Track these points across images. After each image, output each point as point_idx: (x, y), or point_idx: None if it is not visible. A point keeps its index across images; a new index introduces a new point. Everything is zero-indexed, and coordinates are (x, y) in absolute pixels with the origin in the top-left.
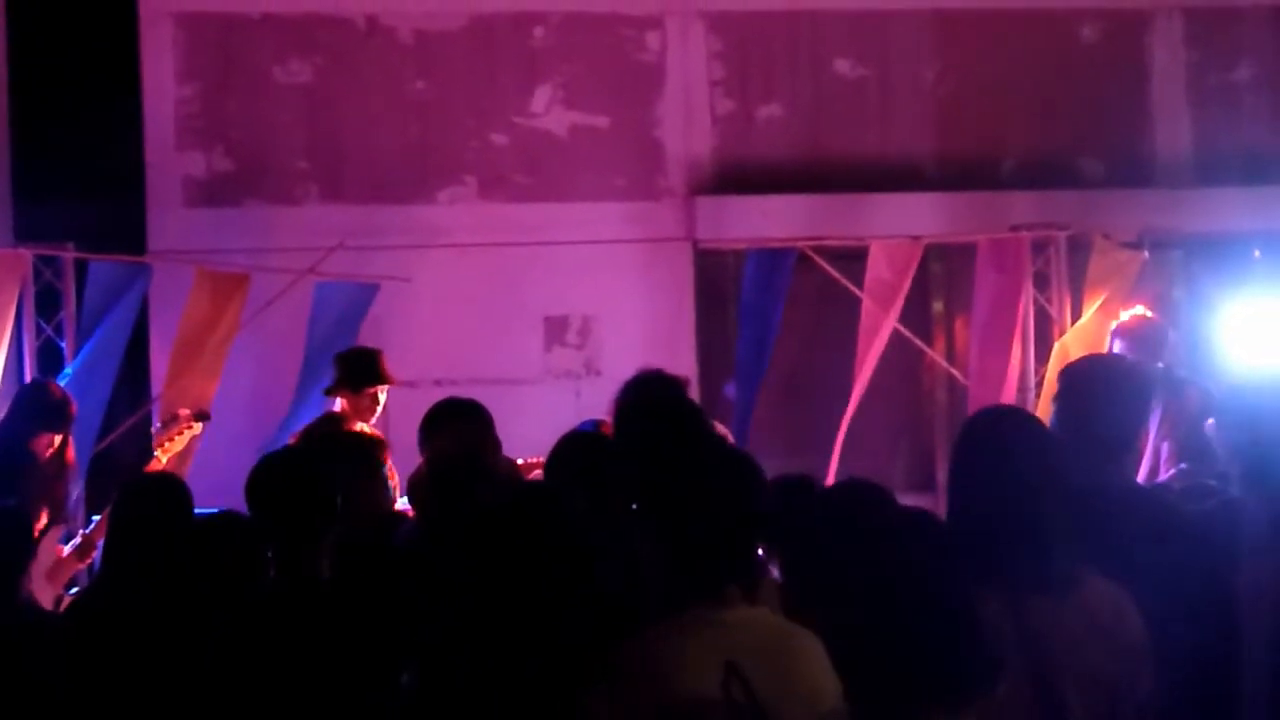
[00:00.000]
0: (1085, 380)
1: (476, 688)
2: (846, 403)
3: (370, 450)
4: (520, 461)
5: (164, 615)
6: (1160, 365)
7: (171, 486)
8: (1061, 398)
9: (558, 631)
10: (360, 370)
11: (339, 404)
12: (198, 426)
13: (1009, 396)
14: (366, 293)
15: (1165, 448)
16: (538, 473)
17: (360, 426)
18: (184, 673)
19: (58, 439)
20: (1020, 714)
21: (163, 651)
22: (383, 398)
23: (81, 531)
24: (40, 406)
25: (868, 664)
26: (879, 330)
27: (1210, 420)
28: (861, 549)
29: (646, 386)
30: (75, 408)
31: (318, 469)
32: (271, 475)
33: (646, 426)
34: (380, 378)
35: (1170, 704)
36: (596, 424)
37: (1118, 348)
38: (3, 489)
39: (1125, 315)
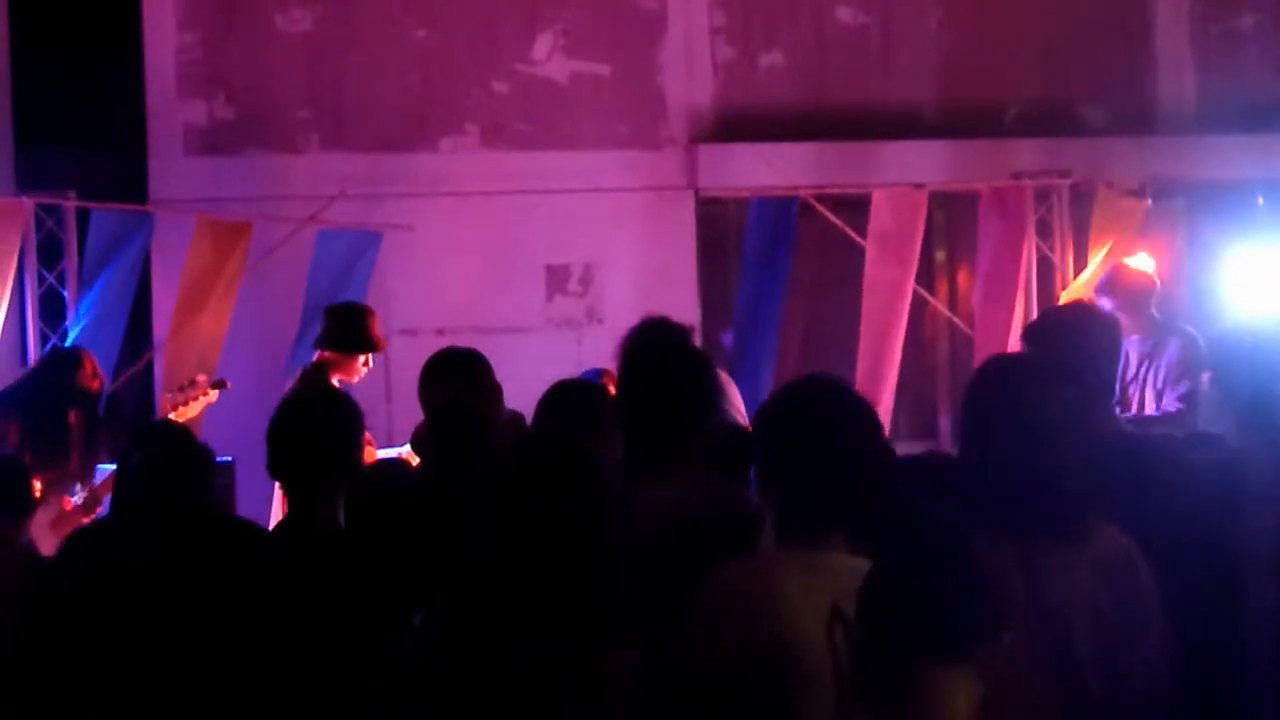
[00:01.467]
0: (1054, 331)
1: (493, 634)
2: (850, 352)
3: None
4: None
5: (173, 564)
6: (1151, 313)
7: (183, 435)
8: (1030, 348)
9: (580, 577)
10: (348, 333)
11: (318, 356)
12: (214, 395)
13: (1013, 345)
14: (369, 241)
15: (1149, 394)
16: None
17: (336, 383)
18: (193, 621)
19: (85, 416)
20: (1032, 664)
21: (171, 601)
22: (368, 359)
23: (90, 484)
24: (75, 380)
25: (869, 612)
26: (893, 285)
27: (1206, 373)
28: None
29: (650, 334)
30: (99, 381)
31: (335, 419)
32: (289, 423)
33: (649, 374)
34: (368, 344)
35: (1176, 653)
36: (600, 373)
37: (1104, 300)
38: (45, 459)
39: (1115, 265)
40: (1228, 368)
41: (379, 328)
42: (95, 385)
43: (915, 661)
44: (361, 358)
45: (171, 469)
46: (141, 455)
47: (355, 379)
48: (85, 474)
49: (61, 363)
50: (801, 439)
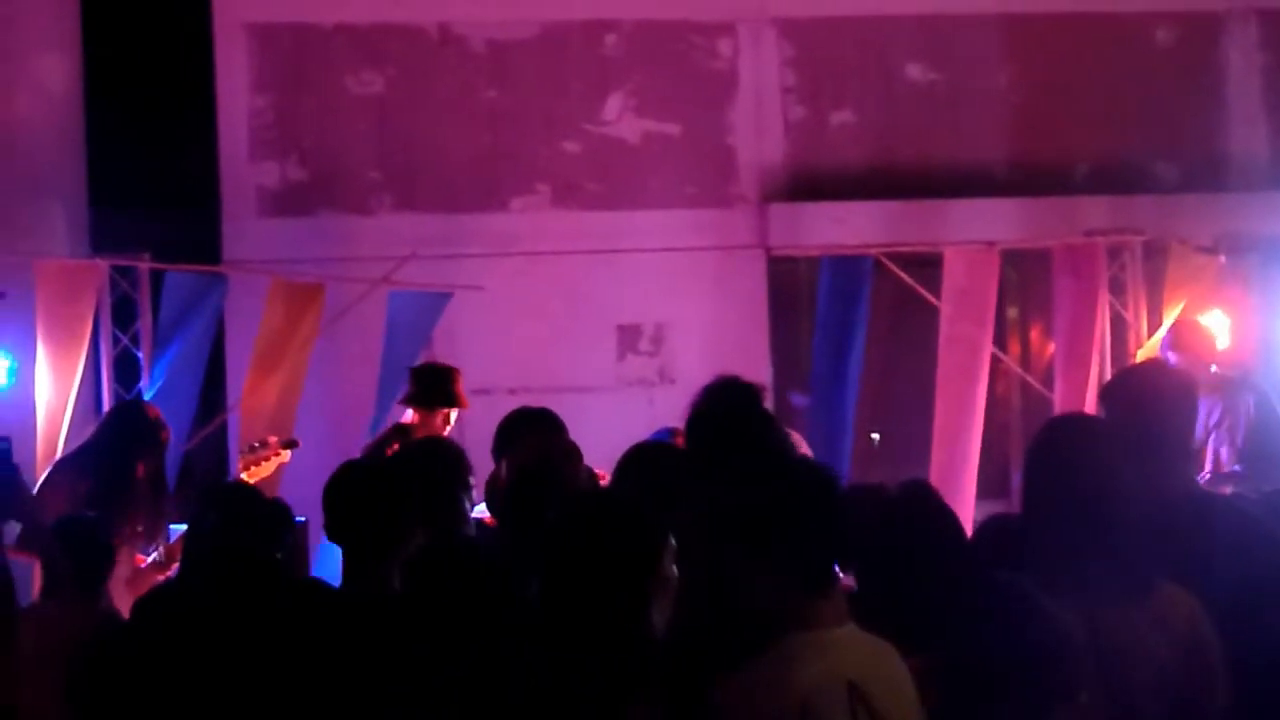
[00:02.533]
0: (1131, 390)
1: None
2: (924, 411)
3: (455, 458)
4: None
5: (237, 626)
6: (1213, 369)
7: (252, 497)
8: (1109, 408)
9: (621, 648)
10: (433, 389)
11: (409, 415)
12: (286, 454)
13: (1090, 405)
14: (438, 301)
15: (1224, 451)
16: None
17: None
18: (249, 679)
19: (153, 467)
20: None
21: (230, 656)
22: (454, 417)
23: (164, 543)
24: (139, 431)
25: (941, 677)
26: (971, 345)
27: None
28: (938, 566)
29: (720, 394)
30: (167, 432)
31: (390, 483)
32: (345, 487)
33: (718, 435)
34: (452, 400)
35: (1245, 714)
36: (671, 432)
37: (1170, 356)
38: (108, 514)
39: (1179, 320)
40: None
41: (462, 386)
42: (162, 435)
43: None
44: (442, 415)
45: (240, 531)
46: (211, 516)
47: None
48: (155, 527)
49: (125, 414)
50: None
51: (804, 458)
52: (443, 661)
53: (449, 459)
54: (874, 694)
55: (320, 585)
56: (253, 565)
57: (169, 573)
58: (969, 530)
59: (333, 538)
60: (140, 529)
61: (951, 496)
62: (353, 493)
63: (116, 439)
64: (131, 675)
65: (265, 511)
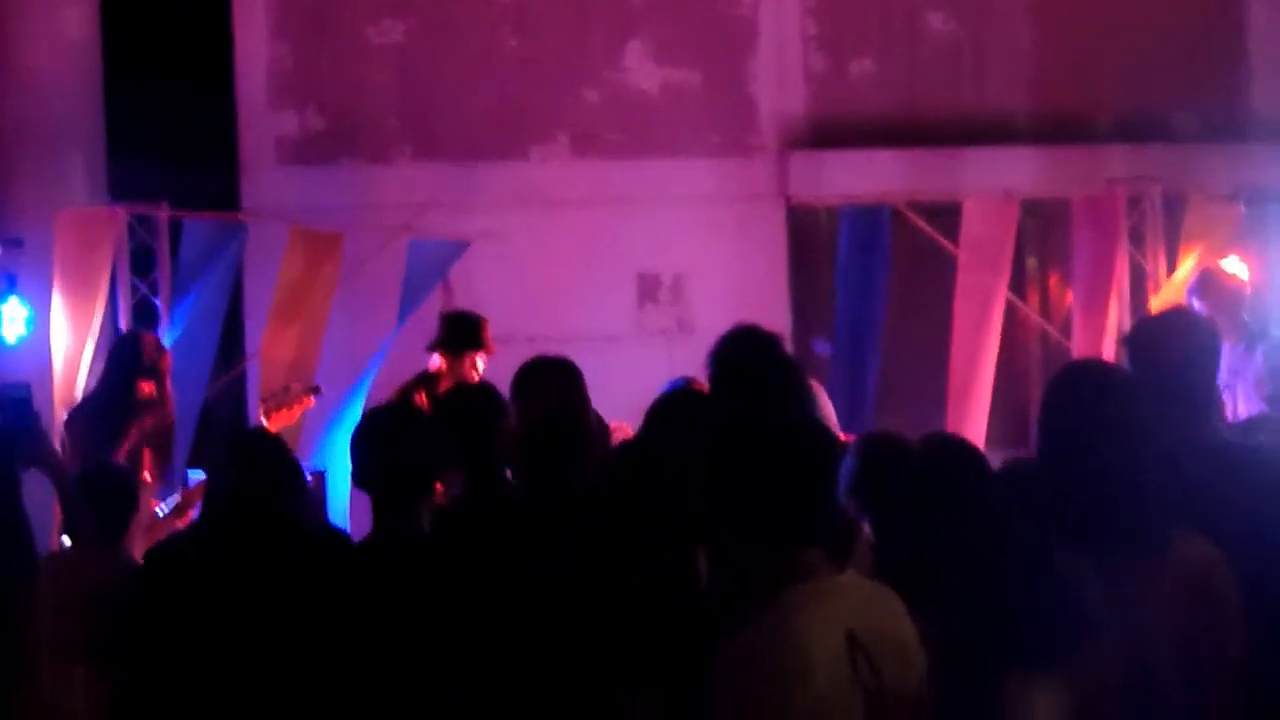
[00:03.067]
0: (1155, 337)
1: (562, 652)
2: (941, 360)
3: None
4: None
5: (252, 575)
6: (1242, 317)
7: (274, 445)
8: (1132, 355)
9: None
10: (463, 334)
11: (435, 362)
12: (310, 399)
13: (1108, 353)
14: (456, 250)
15: (1243, 400)
16: (620, 435)
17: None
18: (267, 630)
19: (155, 387)
20: (1113, 675)
21: (246, 610)
22: (481, 365)
23: (181, 489)
24: (133, 354)
25: (955, 623)
26: (986, 294)
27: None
28: (952, 515)
29: (740, 342)
30: (170, 357)
31: (419, 430)
32: (373, 434)
33: (740, 383)
34: (481, 344)
35: (1265, 664)
36: (687, 382)
37: (1196, 303)
38: (107, 438)
39: (1206, 267)
40: None
41: (489, 332)
42: (162, 361)
43: (998, 672)
44: (470, 361)
45: (260, 480)
46: (231, 464)
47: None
48: (163, 459)
49: (121, 343)
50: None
51: (805, 407)
52: (470, 612)
53: (487, 403)
54: (873, 642)
55: (336, 536)
56: (267, 517)
57: (186, 519)
58: None
59: (360, 485)
60: (157, 479)
61: None
62: (381, 440)
63: (110, 367)
64: (146, 628)
65: (284, 462)
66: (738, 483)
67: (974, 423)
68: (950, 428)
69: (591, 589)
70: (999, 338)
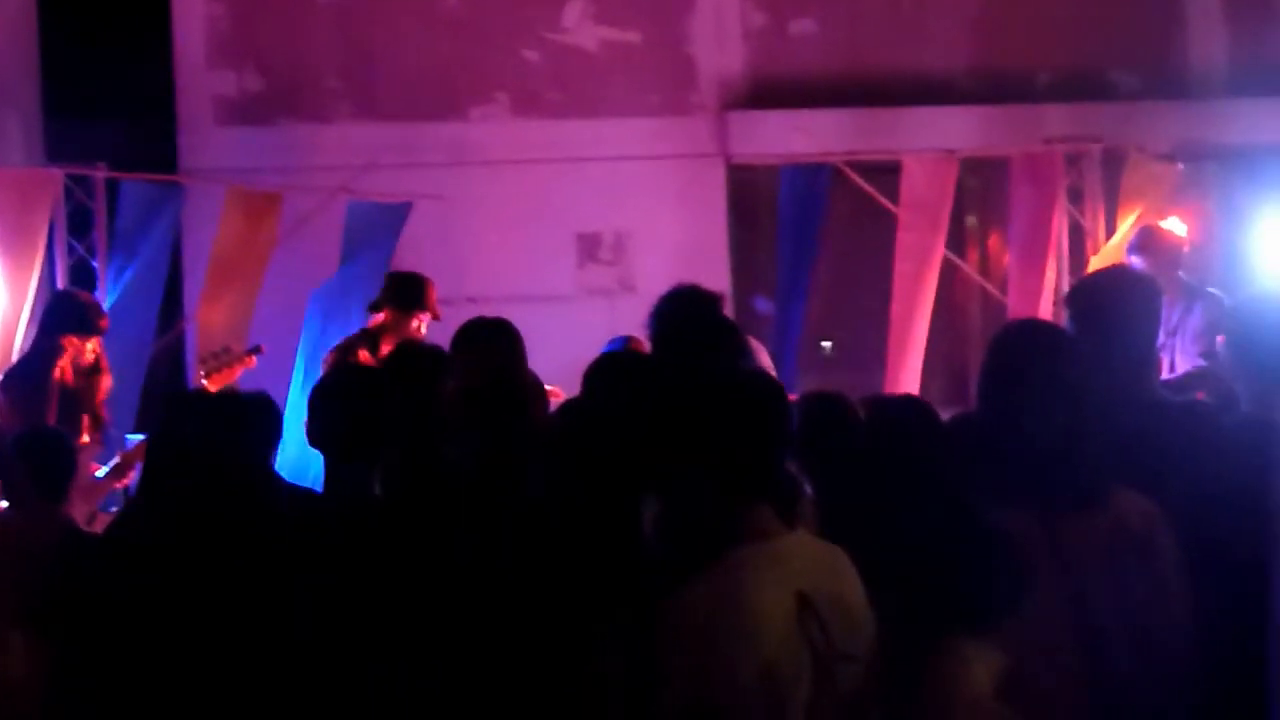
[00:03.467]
0: (1097, 294)
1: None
2: (882, 318)
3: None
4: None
5: (196, 541)
6: (1180, 276)
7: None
8: (1075, 313)
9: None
10: (412, 293)
11: (377, 320)
12: (251, 360)
13: (1045, 312)
14: (399, 211)
15: (1180, 357)
16: (555, 400)
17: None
18: (222, 590)
19: (89, 346)
20: (1056, 631)
21: (200, 569)
22: (424, 327)
23: (120, 451)
24: (66, 312)
25: (895, 585)
26: (924, 251)
27: (1220, 337)
28: (894, 476)
29: (681, 302)
30: (107, 318)
31: (374, 388)
32: (328, 392)
33: (682, 343)
34: (426, 305)
35: (1206, 617)
36: (627, 340)
37: (1135, 260)
38: (30, 395)
39: (1145, 225)
40: (1245, 335)
41: (435, 296)
42: (99, 321)
43: (936, 634)
44: (414, 323)
45: (216, 440)
46: (181, 423)
47: None
48: (94, 420)
49: (55, 298)
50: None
51: (745, 366)
52: (421, 568)
53: (436, 363)
54: (824, 603)
55: (300, 493)
56: (229, 475)
57: (125, 481)
58: None
59: (314, 443)
60: (96, 439)
61: None
62: (336, 398)
63: (42, 324)
64: (93, 594)
65: (243, 417)
66: (690, 435)
67: (908, 380)
68: (888, 385)
69: (534, 549)
70: (934, 295)
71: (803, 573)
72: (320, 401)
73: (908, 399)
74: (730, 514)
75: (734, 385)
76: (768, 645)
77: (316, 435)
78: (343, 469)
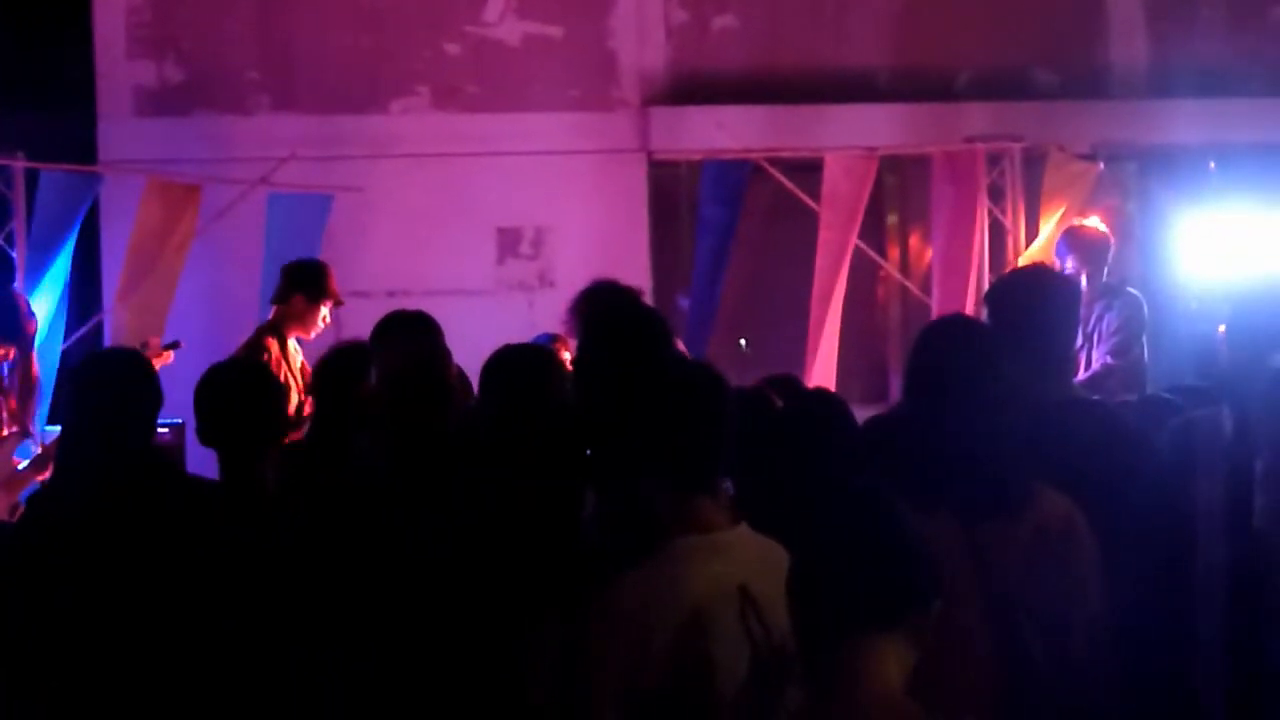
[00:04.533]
0: (1016, 293)
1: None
2: (802, 315)
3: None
4: None
5: (108, 517)
6: (1105, 276)
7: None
8: (994, 311)
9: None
10: (319, 283)
11: (277, 310)
12: (169, 355)
13: (969, 310)
14: (321, 204)
15: (1096, 356)
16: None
17: (294, 339)
18: (128, 580)
19: (13, 351)
20: (972, 631)
21: (104, 556)
22: (327, 314)
23: (40, 444)
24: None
25: (805, 577)
26: (840, 248)
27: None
28: (808, 470)
29: (605, 297)
30: (35, 322)
31: (262, 381)
32: (216, 386)
33: (609, 340)
34: (326, 293)
35: (1124, 614)
36: (553, 338)
37: (1067, 261)
38: None
39: (1072, 224)
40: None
41: (335, 281)
42: (29, 326)
43: (845, 631)
44: (321, 311)
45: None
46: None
47: (313, 334)
48: (24, 415)
49: None
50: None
51: (688, 358)
52: (327, 569)
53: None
54: (764, 598)
55: (208, 484)
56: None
57: (46, 474)
58: None
59: (205, 441)
60: (17, 432)
61: None
62: (224, 394)
63: None
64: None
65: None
66: (637, 424)
67: (824, 377)
68: (807, 382)
69: (466, 537)
70: (843, 291)
71: (745, 566)
72: (198, 399)
73: (821, 392)
74: (674, 505)
75: (679, 375)
76: (707, 634)
77: (203, 431)
78: (231, 464)
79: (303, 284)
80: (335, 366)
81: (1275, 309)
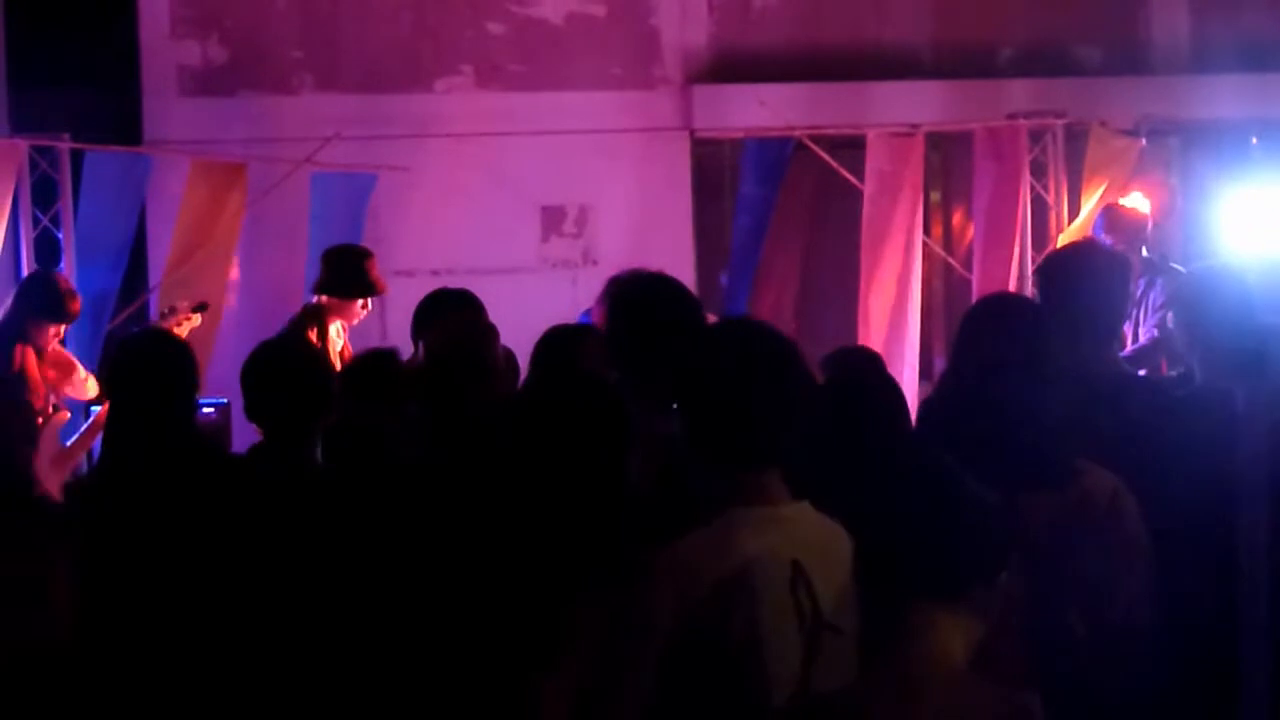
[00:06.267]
0: (1068, 268)
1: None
2: (847, 291)
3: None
4: None
5: (154, 496)
6: (1145, 252)
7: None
8: (1044, 286)
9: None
10: (345, 277)
11: (321, 299)
12: (196, 318)
13: (1011, 286)
14: (365, 183)
15: (1141, 332)
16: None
17: (336, 326)
18: (172, 555)
19: (53, 331)
20: (1014, 607)
21: (152, 534)
22: (369, 304)
23: (87, 419)
24: (46, 296)
25: (868, 550)
26: (898, 228)
27: (1170, 314)
28: (863, 439)
29: (633, 279)
30: (80, 302)
31: (311, 357)
32: (263, 367)
33: (644, 322)
34: (364, 289)
35: (1170, 590)
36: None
37: (1102, 239)
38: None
39: (1110, 203)
40: (1195, 309)
41: (378, 270)
42: (72, 305)
43: (912, 601)
44: (360, 301)
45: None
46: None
47: (354, 321)
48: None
49: (31, 280)
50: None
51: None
52: (372, 539)
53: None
54: (817, 576)
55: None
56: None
57: (92, 446)
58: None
59: (252, 418)
60: (62, 410)
61: None
62: (270, 372)
63: (17, 304)
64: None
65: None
66: (701, 391)
67: (899, 358)
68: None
69: (507, 513)
70: (917, 271)
71: (802, 542)
72: (244, 378)
73: (858, 360)
74: (732, 477)
75: (752, 343)
76: (758, 600)
77: (251, 410)
78: (274, 443)
79: (331, 278)
80: (364, 364)
81: None
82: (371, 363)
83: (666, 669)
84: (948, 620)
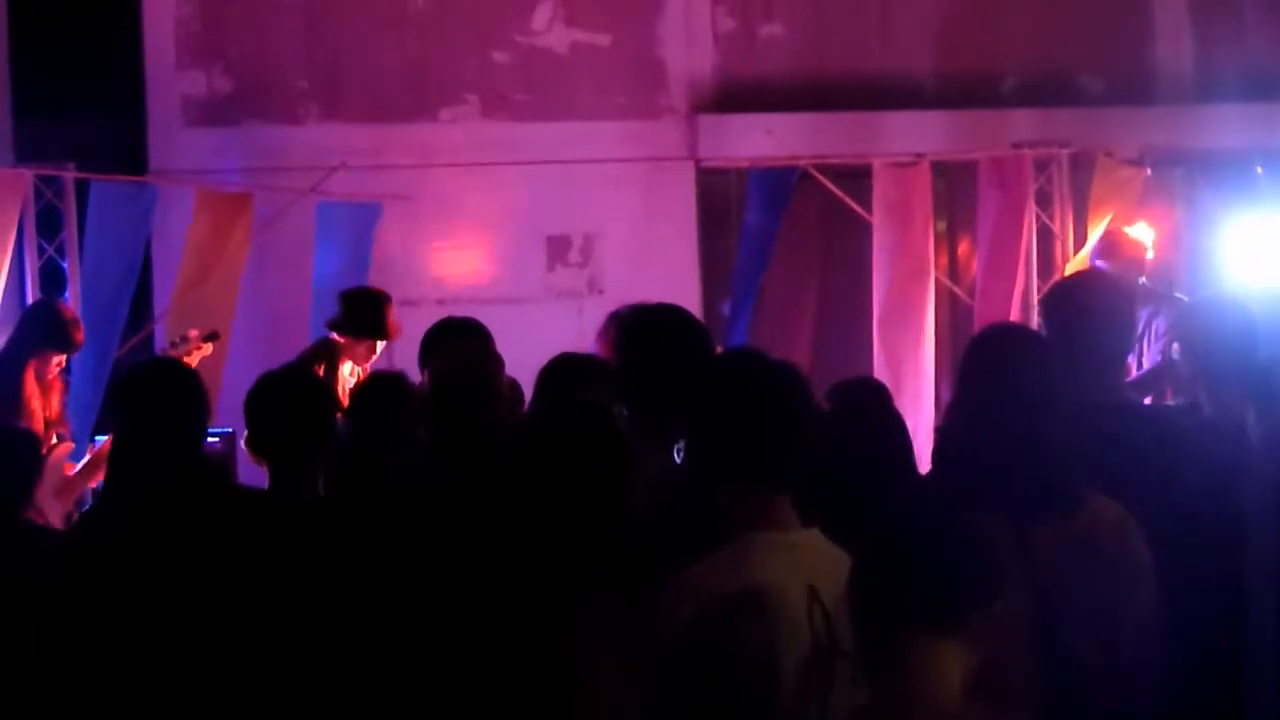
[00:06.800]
0: (1073, 298)
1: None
2: (853, 320)
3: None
4: None
5: (160, 527)
6: (1143, 281)
7: (178, 370)
8: (1049, 316)
9: (602, 536)
10: (361, 319)
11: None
12: (208, 347)
13: (1014, 316)
14: (370, 212)
15: (1145, 362)
16: None
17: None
18: (178, 586)
19: (56, 360)
20: (1021, 636)
21: (157, 565)
22: (380, 347)
23: (91, 449)
24: (49, 325)
25: (863, 581)
26: (907, 257)
27: (1176, 345)
28: (861, 467)
29: (651, 312)
30: (83, 331)
31: (315, 388)
32: (266, 398)
33: (652, 351)
34: (381, 331)
35: (1175, 620)
36: None
37: (1100, 262)
38: (10, 404)
39: (1108, 230)
40: (1201, 339)
41: (395, 315)
42: (75, 334)
43: (907, 630)
44: (372, 343)
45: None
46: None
47: (365, 365)
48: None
49: (34, 309)
50: (752, 415)
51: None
52: (376, 565)
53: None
54: (830, 600)
55: (257, 494)
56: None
57: (97, 479)
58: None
59: (254, 450)
60: (68, 439)
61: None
62: (274, 403)
63: (20, 332)
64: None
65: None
66: (712, 418)
67: (914, 391)
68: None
69: (510, 537)
70: (930, 300)
71: (814, 567)
72: (248, 408)
73: (857, 388)
74: (743, 502)
75: (762, 372)
76: (774, 624)
77: (253, 440)
78: (279, 474)
79: (347, 319)
80: (373, 386)
81: None
82: (381, 385)
83: (677, 688)
84: (944, 648)
